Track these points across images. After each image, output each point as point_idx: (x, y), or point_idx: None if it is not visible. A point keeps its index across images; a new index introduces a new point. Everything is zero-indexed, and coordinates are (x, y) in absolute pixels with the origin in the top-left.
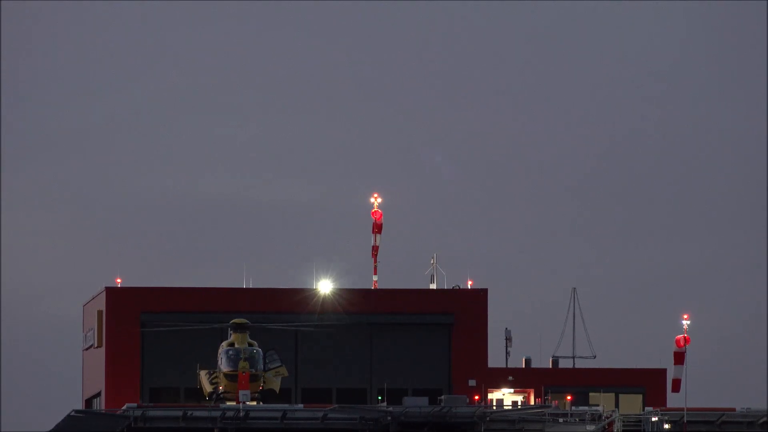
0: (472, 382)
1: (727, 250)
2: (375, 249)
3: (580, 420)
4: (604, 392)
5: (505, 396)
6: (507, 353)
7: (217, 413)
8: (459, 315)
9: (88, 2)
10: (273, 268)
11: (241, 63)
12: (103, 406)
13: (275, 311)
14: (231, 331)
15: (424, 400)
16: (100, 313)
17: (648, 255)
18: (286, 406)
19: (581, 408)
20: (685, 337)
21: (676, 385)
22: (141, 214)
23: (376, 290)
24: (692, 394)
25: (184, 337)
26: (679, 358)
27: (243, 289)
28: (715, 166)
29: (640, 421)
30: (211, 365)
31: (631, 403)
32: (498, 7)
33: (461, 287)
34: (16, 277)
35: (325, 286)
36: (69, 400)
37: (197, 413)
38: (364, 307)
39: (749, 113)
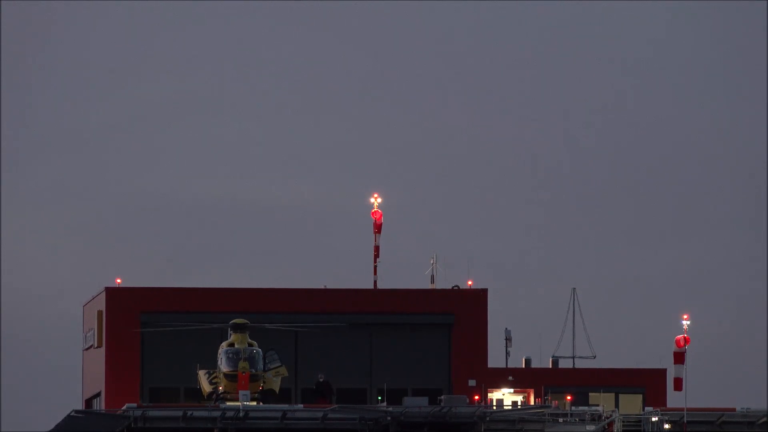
0: (472, 382)
1: (727, 250)
2: (375, 249)
3: (580, 420)
4: (604, 392)
5: (505, 396)
6: (507, 353)
7: (217, 413)
8: (459, 315)
9: (88, 2)
10: (273, 268)
11: (241, 63)
12: (103, 406)
13: (275, 311)
14: (231, 331)
15: (424, 400)
16: (100, 313)
17: (648, 255)
18: (285, 406)
19: (581, 408)
20: (685, 337)
21: (678, 384)
22: (141, 215)
23: (376, 290)
24: (692, 394)
25: (184, 337)
26: (679, 358)
27: (243, 289)
28: (715, 166)
29: (640, 421)
30: (211, 365)
31: (631, 403)
32: (499, 7)
33: (461, 287)
34: (16, 277)
35: None
36: (69, 400)
37: (197, 413)
38: (364, 307)
39: (750, 113)
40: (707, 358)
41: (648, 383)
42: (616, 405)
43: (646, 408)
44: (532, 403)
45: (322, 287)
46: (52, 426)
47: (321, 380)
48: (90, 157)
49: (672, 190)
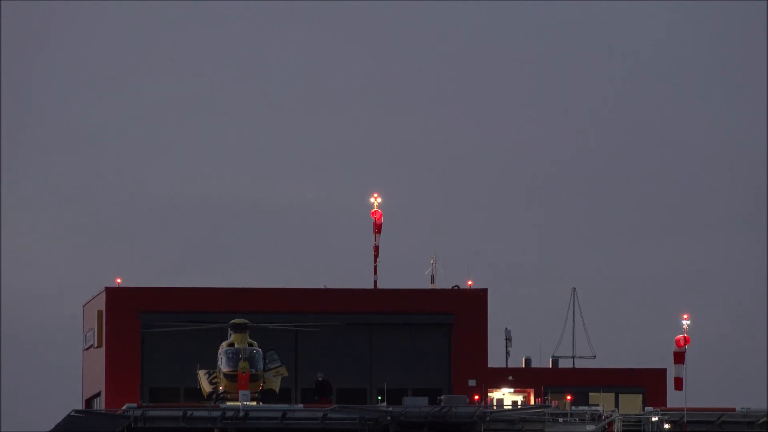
0: (472, 382)
1: (727, 250)
2: (375, 249)
3: (580, 420)
4: (604, 392)
5: (505, 396)
6: (507, 353)
7: (217, 413)
8: (459, 315)
9: (88, 2)
10: (273, 268)
11: (241, 63)
12: (103, 406)
13: (275, 311)
14: (231, 331)
15: (424, 400)
16: (100, 313)
17: (648, 255)
18: (285, 406)
19: (581, 408)
20: (685, 337)
21: (679, 384)
22: (141, 214)
23: (376, 290)
24: (692, 394)
25: (184, 337)
26: (679, 358)
27: (243, 289)
28: (715, 166)
29: (640, 421)
30: (211, 365)
31: (631, 403)
32: (499, 7)
33: (461, 287)
34: (16, 277)
35: None
36: (69, 400)
37: (197, 413)
38: (364, 307)
39: (749, 113)
40: (707, 358)
41: (648, 383)
42: (616, 405)
43: (646, 408)
44: (532, 403)
45: (322, 287)
46: (52, 426)
47: (320, 379)
48: (90, 157)
49: (672, 190)
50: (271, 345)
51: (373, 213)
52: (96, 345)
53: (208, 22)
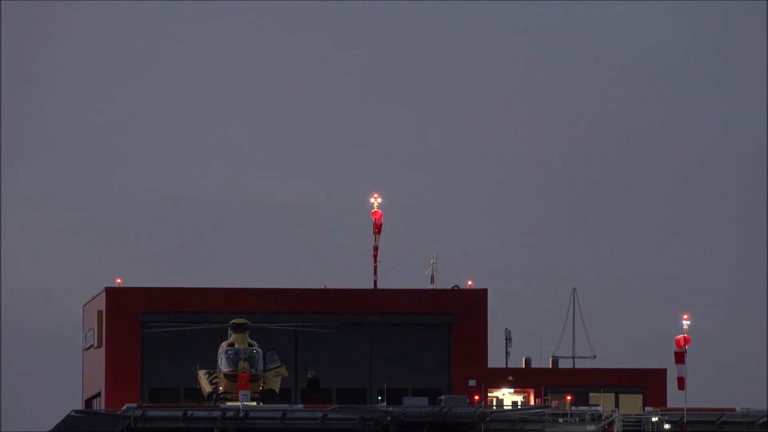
0: (472, 382)
1: (727, 250)
2: (375, 249)
3: (580, 420)
4: (604, 392)
5: (505, 396)
6: (507, 353)
7: (217, 413)
8: (459, 315)
9: (88, 2)
10: (273, 268)
11: (241, 63)
12: (103, 406)
13: (275, 311)
14: (231, 331)
15: (424, 400)
16: (100, 313)
17: (648, 255)
18: (286, 406)
19: (581, 408)
20: (685, 337)
21: (681, 383)
22: (141, 214)
23: (376, 290)
24: (692, 394)
25: (184, 337)
26: (680, 358)
27: (243, 289)
28: (714, 166)
29: (640, 421)
30: (211, 365)
31: (631, 403)
32: (499, 7)
33: (461, 287)
34: (16, 277)
35: None
36: (69, 400)
37: (197, 413)
38: (364, 307)
39: (749, 113)
40: (707, 358)
41: (648, 383)
42: (616, 405)
43: (646, 408)
44: (532, 403)
45: (322, 287)
46: (52, 426)
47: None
48: (90, 157)
49: (672, 189)
50: (271, 345)
51: (373, 213)
52: (96, 345)
53: (208, 22)
